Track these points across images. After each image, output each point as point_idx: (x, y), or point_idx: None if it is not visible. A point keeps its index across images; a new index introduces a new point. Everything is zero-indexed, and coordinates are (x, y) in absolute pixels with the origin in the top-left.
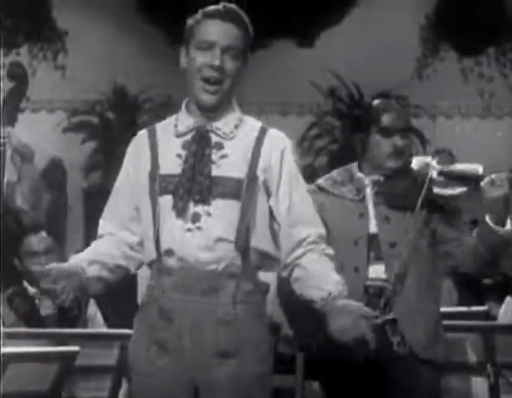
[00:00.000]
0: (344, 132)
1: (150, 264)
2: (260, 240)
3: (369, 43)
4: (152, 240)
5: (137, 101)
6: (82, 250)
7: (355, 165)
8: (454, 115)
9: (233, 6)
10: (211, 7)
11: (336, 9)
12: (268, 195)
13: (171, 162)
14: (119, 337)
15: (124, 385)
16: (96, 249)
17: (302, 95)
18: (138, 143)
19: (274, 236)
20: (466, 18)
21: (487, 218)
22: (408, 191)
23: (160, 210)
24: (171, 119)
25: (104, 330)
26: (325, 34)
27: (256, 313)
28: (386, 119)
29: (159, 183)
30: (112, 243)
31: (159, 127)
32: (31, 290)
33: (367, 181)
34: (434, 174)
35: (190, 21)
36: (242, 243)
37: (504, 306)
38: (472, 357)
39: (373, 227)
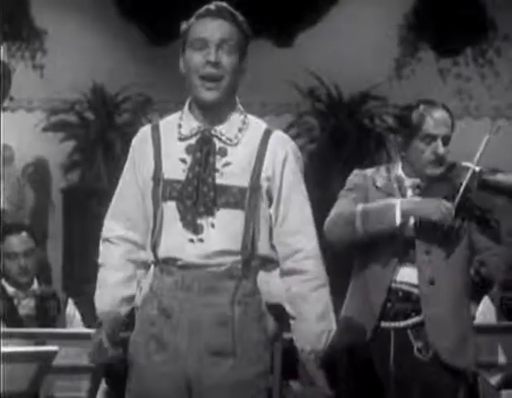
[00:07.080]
0: (323, 132)
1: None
2: (263, 247)
3: (348, 43)
4: (149, 245)
5: (116, 101)
6: (61, 249)
7: (397, 165)
8: None
9: (224, 4)
10: (202, 8)
11: (315, 8)
12: (270, 202)
13: (175, 167)
14: None
15: (102, 386)
16: (121, 275)
17: (281, 95)
18: (142, 139)
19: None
20: (445, 19)
21: None
22: (447, 198)
23: (162, 216)
24: (174, 117)
25: (83, 330)
26: (303, 33)
27: (254, 313)
28: (430, 126)
29: (163, 188)
30: (127, 253)
31: (162, 125)
32: (10, 290)
33: (408, 183)
34: (474, 183)
35: (183, 26)
36: (247, 253)
37: (481, 306)
38: (502, 358)
39: (410, 230)
